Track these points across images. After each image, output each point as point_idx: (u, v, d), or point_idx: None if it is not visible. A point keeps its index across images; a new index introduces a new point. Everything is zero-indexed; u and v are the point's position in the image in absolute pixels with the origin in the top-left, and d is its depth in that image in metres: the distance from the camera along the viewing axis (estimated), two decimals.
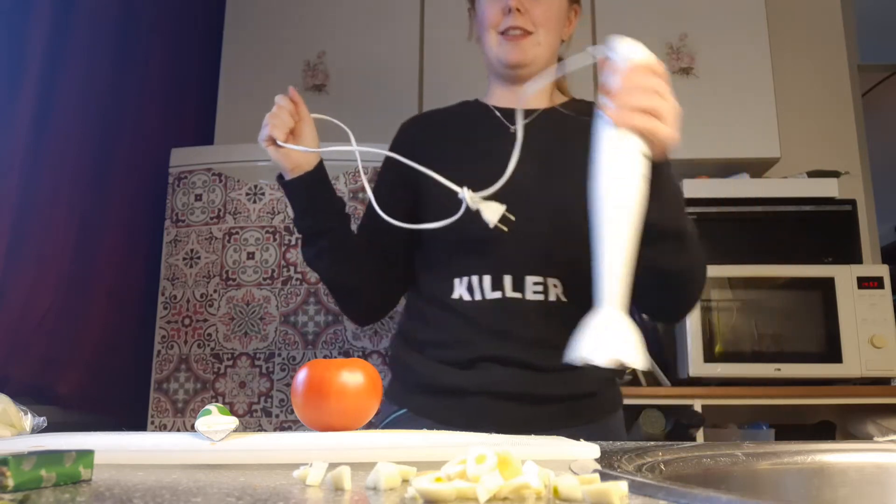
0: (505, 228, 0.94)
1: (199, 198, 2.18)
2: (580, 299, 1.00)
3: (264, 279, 2.10)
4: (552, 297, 1.07)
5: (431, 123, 1.24)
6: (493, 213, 0.91)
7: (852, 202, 2.25)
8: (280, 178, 1.12)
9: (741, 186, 2.30)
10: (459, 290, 1.09)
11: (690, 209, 1.02)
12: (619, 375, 1.10)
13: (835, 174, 2.32)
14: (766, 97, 2.38)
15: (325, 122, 1.11)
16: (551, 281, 1.07)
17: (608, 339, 0.66)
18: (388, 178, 1.22)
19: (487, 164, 0.98)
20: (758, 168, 2.45)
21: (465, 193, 0.91)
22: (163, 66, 2.37)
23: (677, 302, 1.04)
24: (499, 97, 1.20)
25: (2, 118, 1.71)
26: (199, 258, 2.14)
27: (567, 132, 1.11)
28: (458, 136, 1.17)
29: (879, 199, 2.70)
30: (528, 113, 1.14)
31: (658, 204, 0.80)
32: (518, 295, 1.06)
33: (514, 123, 1.07)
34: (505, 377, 1.04)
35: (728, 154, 2.36)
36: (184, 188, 2.20)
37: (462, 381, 1.06)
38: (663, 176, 0.84)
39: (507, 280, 1.07)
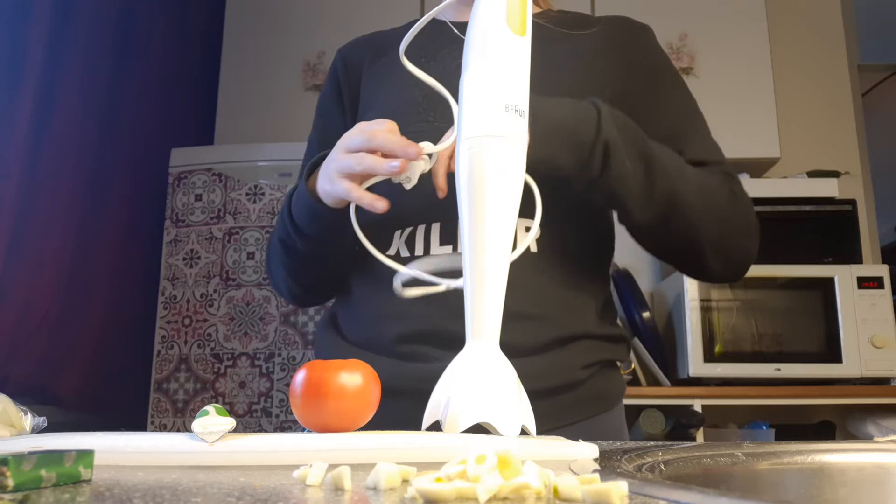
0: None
1: (199, 198, 2.18)
2: (560, 249, 0.84)
3: (264, 279, 2.10)
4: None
5: (375, 46, 1.02)
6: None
7: (852, 202, 2.25)
8: (306, 198, 0.82)
9: None
10: (397, 245, 0.84)
11: None
12: (621, 359, 0.91)
13: (835, 174, 2.32)
14: (766, 97, 2.38)
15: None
16: (522, 223, 0.78)
17: (471, 398, 0.56)
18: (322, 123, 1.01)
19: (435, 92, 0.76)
20: (758, 168, 2.45)
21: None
22: (163, 66, 2.37)
23: (727, 250, 0.90)
24: (456, 9, 0.97)
25: (2, 118, 1.71)
26: (199, 258, 2.14)
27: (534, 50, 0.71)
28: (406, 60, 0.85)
29: (879, 199, 2.70)
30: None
31: (641, 202, 0.79)
32: None
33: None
34: (443, 369, 0.64)
35: (728, 154, 2.33)
36: (184, 188, 2.20)
37: (389, 376, 0.73)
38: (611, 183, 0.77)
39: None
